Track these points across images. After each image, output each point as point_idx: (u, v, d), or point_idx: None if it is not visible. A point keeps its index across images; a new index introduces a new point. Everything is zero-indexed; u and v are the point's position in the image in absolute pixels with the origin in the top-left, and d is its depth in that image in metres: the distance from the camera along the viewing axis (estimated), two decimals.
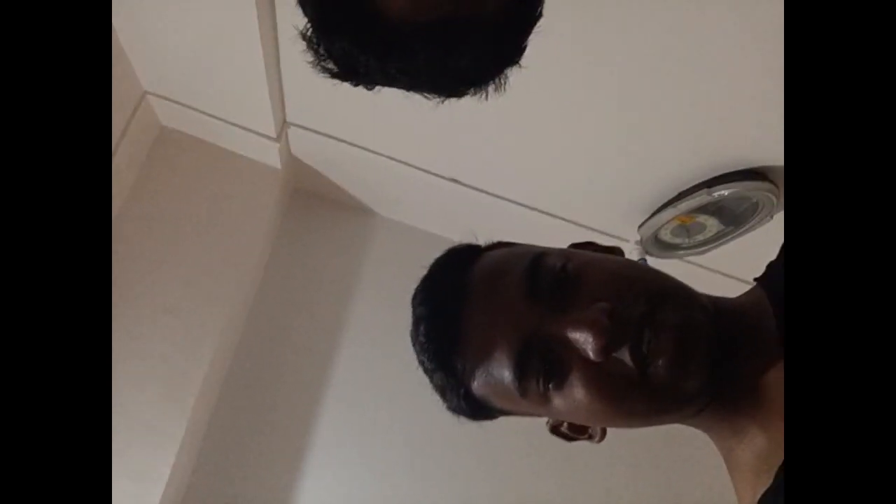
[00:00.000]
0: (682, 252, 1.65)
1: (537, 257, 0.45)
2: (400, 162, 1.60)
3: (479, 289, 0.46)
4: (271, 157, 1.63)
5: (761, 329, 0.45)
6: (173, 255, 1.52)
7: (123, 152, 1.47)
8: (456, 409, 0.49)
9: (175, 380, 1.45)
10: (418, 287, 0.50)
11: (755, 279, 0.49)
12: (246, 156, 1.64)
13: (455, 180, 1.63)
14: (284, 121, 1.56)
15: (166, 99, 1.52)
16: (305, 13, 0.45)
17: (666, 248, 1.64)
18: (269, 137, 1.56)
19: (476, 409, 0.48)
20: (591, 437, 0.51)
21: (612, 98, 1.25)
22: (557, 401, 0.44)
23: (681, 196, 1.46)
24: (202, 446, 1.60)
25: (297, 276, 1.82)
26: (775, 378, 0.43)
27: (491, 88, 0.49)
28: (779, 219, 1.43)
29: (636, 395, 0.42)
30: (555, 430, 0.52)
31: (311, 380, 1.73)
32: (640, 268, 0.48)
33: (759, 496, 0.41)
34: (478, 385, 0.46)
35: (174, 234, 1.54)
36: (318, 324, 1.79)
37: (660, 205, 1.52)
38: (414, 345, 0.49)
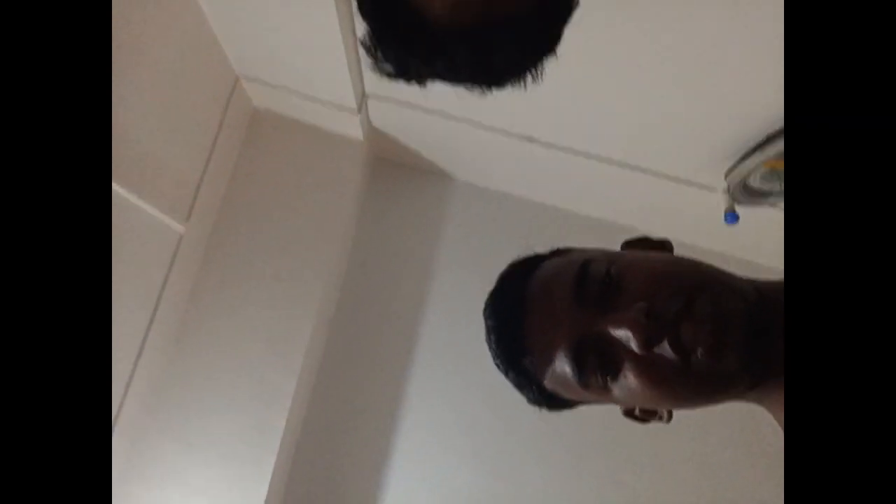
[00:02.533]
0: (773, 199, 1.58)
1: (584, 266, 0.50)
2: (475, 124, 1.63)
3: (536, 299, 0.52)
4: (354, 128, 1.71)
5: None
6: (274, 227, 1.66)
7: (224, 136, 1.60)
8: (534, 402, 0.56)
9: (284, 336, 1.60)
10: (487, 300, 0.57)
11: None
12: (331, 130, 1.74)
13: (531, 138, 1.64)
14: (363, 93, 1.63)
15: (257, 81, 1.63)
16: (365, 24, 0.52)
17: (756, 196, 1.58)
18: (350, 110, 1.64)
19: (551, 401, 0.55)
20: (660, 418, 0.57)
21: (690, 35, 1.20)
22: (616, 390, 0.50)
23: (770, 139, 1.40)
24: (311, 399, 1.76)
25: (384, 241, 1.92)
26: None
27: (529, 79, 0.55)
28: None
29: (682, 381, 0.47)
30: (628, 413, 0.58)
31: (401, 340, 1.84)
32: (680, 263, 0.52)
33: None
34: (547, 382, 0.52)
35: (274, 208, 1.68)
36: (405, 287, 1.89)
37: (747, 149, 1.46)
38: (489, 350, 0.55)
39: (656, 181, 1.66)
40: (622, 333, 0.47)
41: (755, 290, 0.50)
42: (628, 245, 0.60)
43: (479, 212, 1.95)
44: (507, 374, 0.54)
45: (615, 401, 0.52)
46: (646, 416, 0.57)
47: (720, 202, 1.59)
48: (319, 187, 1.71)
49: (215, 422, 1.51)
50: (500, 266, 2.07)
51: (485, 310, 0.56)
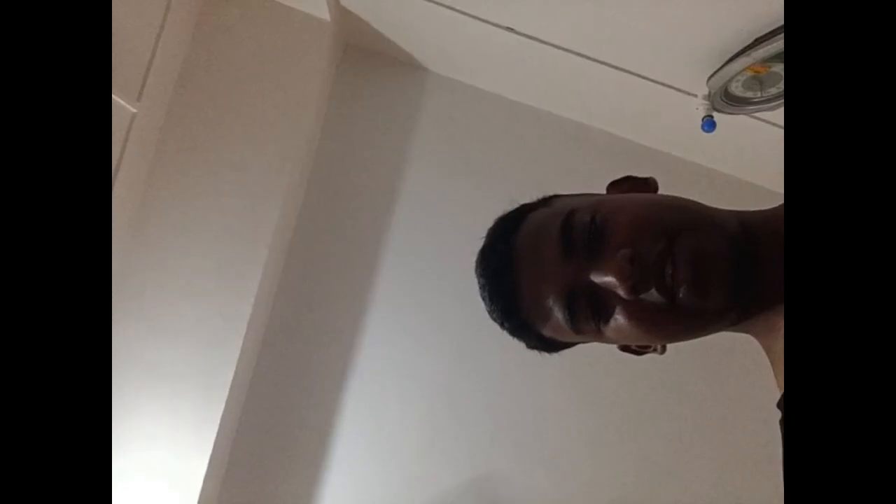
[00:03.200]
0: (752, 108, 1.55)
1: (568, 217, 0.52)
2: (452, 9, 1.52)
3: (524, 254, 0.53)
4: (319, 6, 1.58)
5: None
6: (232, 110, 1.57)
7: (176, 8, 1.46)
8: (533, 347, 0.58)
9: (249, 225, 1.57)
10: (477, 257, 0.58)
11: None
12: (295, 6, 1.60)
13: (511, 29, 1.55)
14: None
15: None
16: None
17: (736, 103, 1.54)
18: None
19: (549, 345, 0.58)
20: (655, 350, 0.59)
21: None
22: (609, 332, 0.52)
23: (757, 42, 1.34)
24: (280, 287, 1.76)
25: (353, 131, 1.84)
26: None
27: None
28: None
29: (670, 319, 0.49)
30: (624, 348, 0.60)
31: (371, 231, 1.83)
32: (662, 204, 0.53)
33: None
34: (544, 331, 0.55)
35: (233, 91, 1.58)
36: (375, 180, 1.85)
37: (732, 53, 1.40)
38: (484, 305, 0.57)
39: (636, 82, 1.60)
40: (609, 281, 0.49)
41: (739, 224, 0.51)
42: (613, 186, 0.60)
43: (452, 107, 1.88)
44: (503, 327, 0.56)
45: (610, 341, 0.54)
46: (641, 349, 0.60)
47: (699, 108, 1.56)
48: (282, 70, 1.61)
49: (180, 306, 1.51)
50: (473, 165, 2.03)
51: (476, 267, 0.58)
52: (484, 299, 0.57)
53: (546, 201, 0.59)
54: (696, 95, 1.57)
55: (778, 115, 1.56)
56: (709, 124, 1.56)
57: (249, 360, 1.68)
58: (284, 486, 1.72)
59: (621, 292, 0.48)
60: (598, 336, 0.53)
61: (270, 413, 1.73)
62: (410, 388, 1.79)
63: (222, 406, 1.52)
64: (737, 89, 1.49)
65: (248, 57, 1.59)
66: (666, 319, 0.49)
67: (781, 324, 0.49)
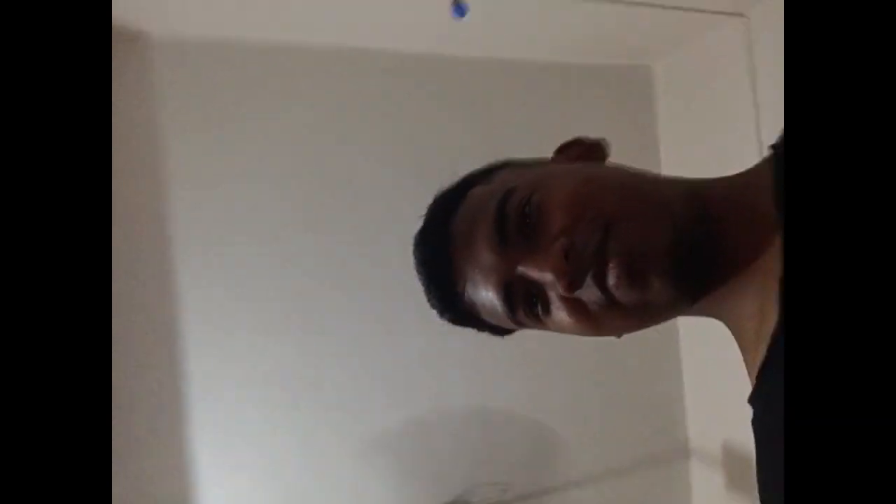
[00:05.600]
0: None
1: (502, 201, 0.48)
2: None
3: (461, 239, 0.51)
4: None
5: (756, 207, 0.46)
6: None
7: None
8: (483, 331, 0.56)
9: None
10: (415, 238, 0.55)
11: (770, 146, 0.48)
12: None
13: None
14: None
15: None
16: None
17: None
18: None
19: (493, 330, 0.56)
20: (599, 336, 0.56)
21: None
22: (551, 323, 0.50)
23: None
24: None
25: None
26: (770, 252, 0.45)
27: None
28: None
29: (612, 316, 0.47)
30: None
31: (155, 240, 1.59)
32: (603, 182, 0.49)
33: (757, 370, 0.44)
34: (485, 317, 0.53)
35: None
36: (136, 177, 1.59)
37: None
38: (423, 288, 0.55)
39: None
40: (545, 277, 0.46)
41: (689, 198, 0.47)
42: (561, 150, 0.57)
43: (190, 69, 1.65)
44: (442, 316, 0.54)
45: (552, 330, 0.51)
46: None
47: None
48: None
49: None
50: (238, 127, 1.78)
51: (414, 248, 0.55)
52: (422, 282, 0.54)
53: (488, 173, 0.55)
54: None
55: None
56: (458, 9, 1.53)
57: None
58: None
59: (559, 289, 0.46)
60: (542, 327, 0.51)
61: None
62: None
63: None
64: None
65: None
66: (607, 316, 0.47)
67: (747, 305, 0.46)
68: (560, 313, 0.48)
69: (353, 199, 1.75)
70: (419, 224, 0.55)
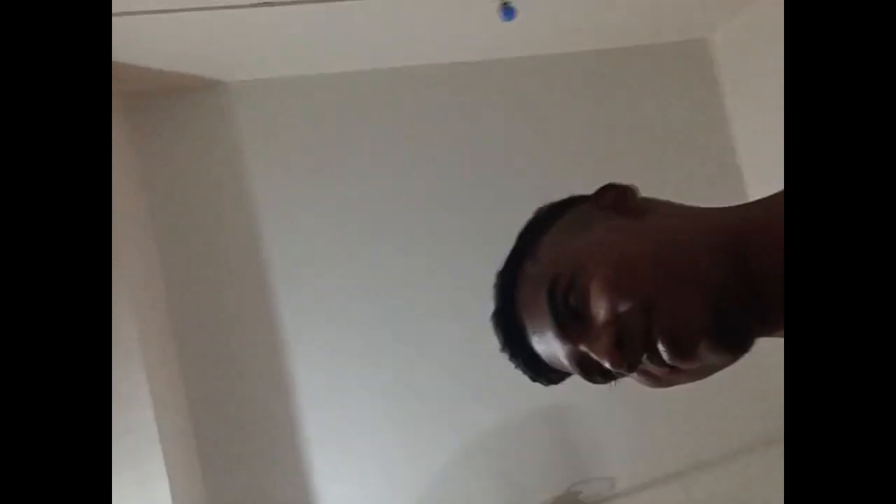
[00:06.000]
0: None
1: (551, 290, 0.53)
2: (203, 9, 1.40)
3: (530, 324, 0.55)
4: None
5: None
6: None
7: None
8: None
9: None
10: (492, 321, 0.59)
11: None
12: None
13: (267, 3, 1.46)
14: None
15: None
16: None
17: None
18: None
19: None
20: None
21: None
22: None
23: None
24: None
25: (184, 177, 1.70)
26: None
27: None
28: None
29: (679, 378, 0.51)
30: None
31: (248, 272, 1.70)
32: (636, 259, 0.51)
33: None
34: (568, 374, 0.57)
35: None
36: (225, 210, 1.71)
37: None
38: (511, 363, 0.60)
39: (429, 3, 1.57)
40: (604, 362, 0.50)
41: (723, 256, 0.49)
42: (598, 197, 0.58)
43: (268, 108, 1.77)
44: (536, 381, 0.59)
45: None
46: None
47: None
48: None
49: None
50: (324, 160, 1.85)
51: (493, 329, 0.59)
52: (511, 363, 0.59)
53: (528, 247, 0.58)
54: None
55: None
56: (507, 13, 1.57)
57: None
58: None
59: (620, 371, 0.50)
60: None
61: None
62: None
63: None
64: None
65: None
66: (674, 380, 0.51)
67: None
68: (636, 378, 0.52)
69: (432, 210, 1.80)
70: (491, 304, 0.60)
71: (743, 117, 2.03)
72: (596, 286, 0.50)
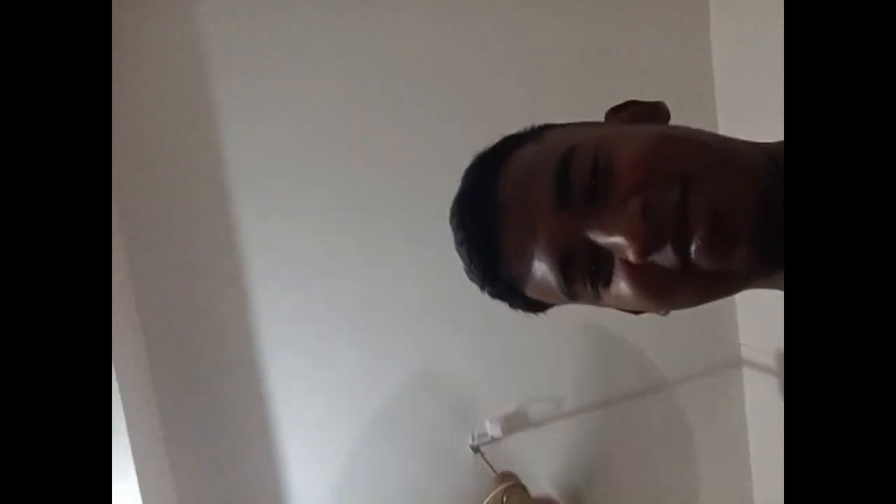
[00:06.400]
0: None
1: (565, 157, 0.43)
2: None
3: (510, 204, 0.44)
4: None
5: None
6: None
7: None
8: (517, 308, 0.51)
9: None
10: (453, 207, 0.49)
11: None
12: None
13: None
14: None
15: None
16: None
17: None
18: None
19: (535, 307, 0.51)
20: (656, 311, 0.49)
21: None
22: (607, 297, 0.45)
23: None
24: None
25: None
26: None
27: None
28: None
29: (682, 286, 0.42)
30: (621, 310, 0.51)
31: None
32: (675, 139, 0.43)
33: None
34: (530, 292, 0.47)
35: None
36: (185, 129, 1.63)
37: None
38: (462, 261, 0.49)
39: None
40: (617, 242, 0.41)
41: (769, 163, 0.42)
42: (613, 112, 0.50)
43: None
44: (482, 290, 0.49)
45: (605, 305, 0.47)
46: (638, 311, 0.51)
47: None
48: None
49: None
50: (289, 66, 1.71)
51: (451, 218, 0.49)
52: (461, 256, 0.49)
53: (535, 134, 0.49)
54: None
55: None
56: None
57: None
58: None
59: (630, 255, 0.40)
60: (593, 300, 0.46)
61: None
62: None
63: None
64: None
65: None
66: (677, 285, 0.42)
67: None
68: (622, 284, 0.43)
69: (400, 122, 1.71)
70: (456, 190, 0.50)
71: (727, 46, 1.94)
72: (628, 155, 0.42)
